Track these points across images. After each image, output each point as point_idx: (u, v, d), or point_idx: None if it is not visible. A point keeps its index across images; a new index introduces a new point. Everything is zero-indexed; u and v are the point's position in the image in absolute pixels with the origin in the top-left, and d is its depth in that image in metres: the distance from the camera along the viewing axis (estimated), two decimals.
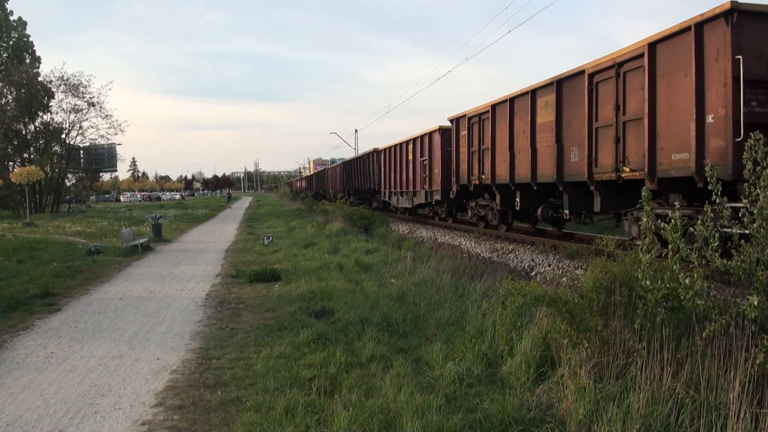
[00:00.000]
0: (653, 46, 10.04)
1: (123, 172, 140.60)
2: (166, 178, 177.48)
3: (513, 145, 15.31)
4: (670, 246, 4.66)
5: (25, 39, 45.64)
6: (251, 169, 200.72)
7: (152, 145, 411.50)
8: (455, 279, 9.98)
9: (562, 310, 4.91)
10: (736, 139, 8.31)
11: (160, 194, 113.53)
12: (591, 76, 11.85)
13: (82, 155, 45.37)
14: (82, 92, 40.68)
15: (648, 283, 4.66)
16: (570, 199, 13.25)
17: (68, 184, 46.03)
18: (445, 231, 20.96)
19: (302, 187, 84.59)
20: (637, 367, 4.50)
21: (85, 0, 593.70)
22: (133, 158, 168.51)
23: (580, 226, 14.91)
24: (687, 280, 4.44)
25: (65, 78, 40.29)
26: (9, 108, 39.55)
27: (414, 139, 24.22)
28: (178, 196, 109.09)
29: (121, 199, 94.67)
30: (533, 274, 12.11)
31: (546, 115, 13.70)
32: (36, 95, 39.54)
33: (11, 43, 44.77)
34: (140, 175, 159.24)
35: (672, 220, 4.66)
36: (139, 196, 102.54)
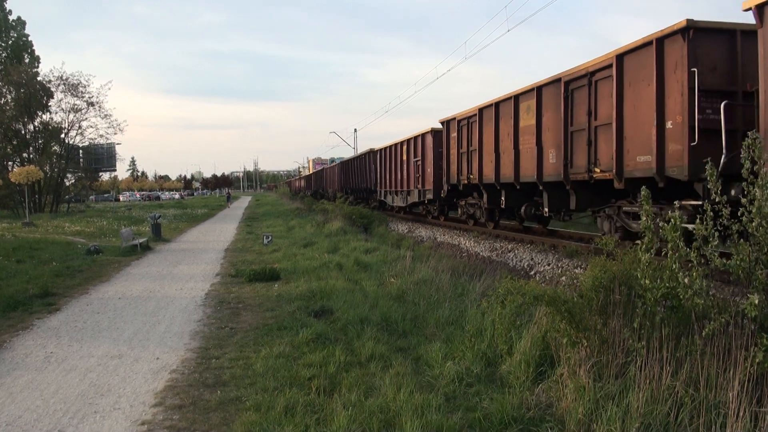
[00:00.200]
0: (621, 57, 10.89)
1: (122, 172, 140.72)
2: (166, 178, 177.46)
3: (498, 147, 16.24)
4: (669, 245, 4.66)
5: (24, 38, 45.57)
6: (250, 168, 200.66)
7: (151, 144, 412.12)
8: (454, 278, 9.98)
9: (562, 309, 4.91)
10: (692, 144, 9.20)
11: (160, 194, 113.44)
12: (567, 83, 12.70)
13: (81, 155, 45.31)
14: (82, 92, 40.67)
15: (647, 282, 4.66)
16: (549, 198, 14.17)
17: (67, 183, 46.00)
18: (444, 230, 20.96)
19: (301, 187, 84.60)
20: (636, 366, 4.50)
21: None
22: (133, 158, 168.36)
23: (563, 223, 16.15)
24: (686, 279, 4.44)
25: (64, 77, 40.28)
26: (8, 108, 39.50)
27: (408, 140, 25.05)
28: (177, 196, 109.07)
29: (121, 198, 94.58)
30: (532, 273, 12.11)
31: (528, 119, 14.57)
32: (35, 95, 39.49)
33: (10, 42, 44.67)
34: (139, 174, 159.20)
35: (671, 220, 4.66)
36: (138, 195, 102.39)
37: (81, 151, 44.98)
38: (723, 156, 8.77)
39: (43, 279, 11.73)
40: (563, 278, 5.71)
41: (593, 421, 4.20)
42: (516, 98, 15.12)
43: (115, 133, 51.98)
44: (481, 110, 17.30)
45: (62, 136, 42.05)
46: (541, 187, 14.29)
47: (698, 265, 4.47)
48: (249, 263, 14.00)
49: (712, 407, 4.00)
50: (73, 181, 47.57)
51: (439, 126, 21.17)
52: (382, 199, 30.58)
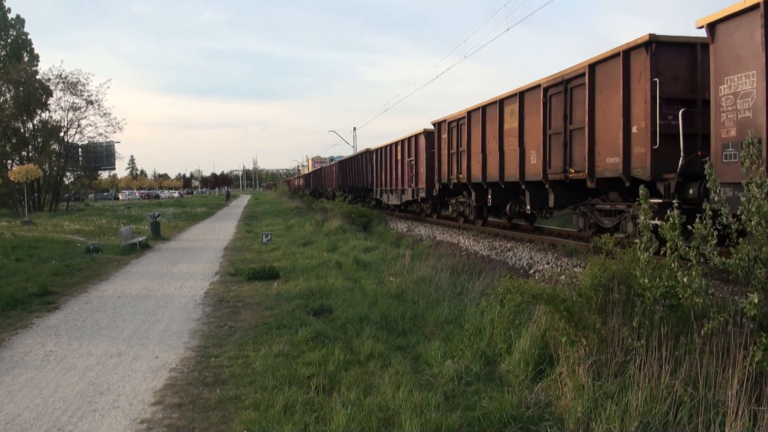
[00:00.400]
0: (593, 66, 11.65)
1: (121, 171, 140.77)
2: (165, 177, 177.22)
3: (485, 148, 17.03)
4: (668, 244, 4.67)
5: (23, 37, 45.55)
6: (250, 167, 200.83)
7: (151, 143, 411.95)
8: (454, 277, 9.98)
9: (561, 308, 4.91)
10: (654, 147, 9.92)
11: (159, 192, 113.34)
12: (546, 89, 13.47)
13: (80, 153, 45.32)
14: (81, 90, 40.66)
15: (646, 281, 4.67)
16: (531, 197, 15.01)
17: (67, 182, 46.03)
18: (443, 229, 20.97)
19: (300, 185, 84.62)
20: (635, 364, 4.50)
21: None
22: (132, 156, 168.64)
23: (548, 220, 17.24)
24: (685, 278, 4.45)
25: (63, 76, 40.26)
26: (7, 106, 39.50)
27: (402, 141, 25.82)
28: (176, 195, 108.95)
29: (120, 197, 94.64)
30: (532, 272, 12.11)
31: (511, 122, 15.39)
32: (34, 93, 39.47)
33: (9, 41, 44.68)
34: (139, 173, 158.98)
35: (670, 219, 4.66)
36: (137, 194, 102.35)
37: (80, 149, 44.99)
38: (681, 158, 9.45)
39: (43, 277, 11.73)
40: (562, 277, 5.71)
41: (592, 419, 4.20)
42: (501, 102, 15.88)
43: (115, 132, 52.10)
44: (469, 113, 18.08)
45: (61, 134, 42.08)
46: (523, 186, 15.04)
47: (697, 264, 4.47)
48: (248, 262, 14.00)
49: (711, 406, 4.01)
50: (72, 179, 47.60)
51: (432, 127, 22.03)
52: (378, 197, 31.29)
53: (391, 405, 4.75)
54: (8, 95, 40.04)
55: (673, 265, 4.55)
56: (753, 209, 4.41)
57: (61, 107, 41.42)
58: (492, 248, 15.44)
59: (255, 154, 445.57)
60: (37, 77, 40.95)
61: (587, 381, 4.53)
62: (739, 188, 7.53)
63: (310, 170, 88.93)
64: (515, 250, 14.52)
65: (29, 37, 46.17)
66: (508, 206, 16.84)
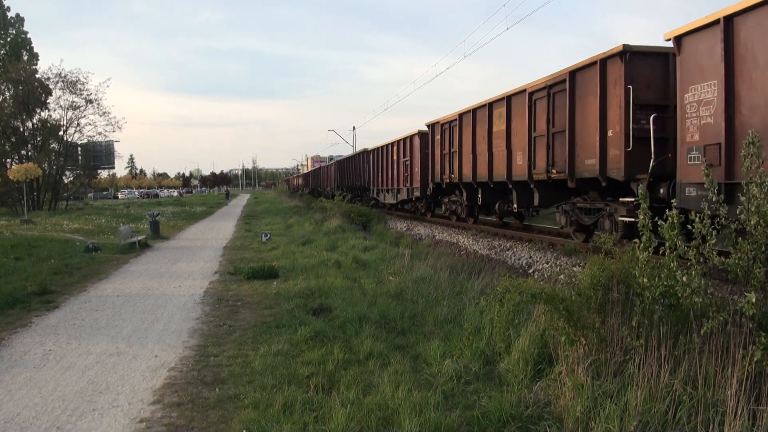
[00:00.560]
0: (573, 73, 12.26)
1: (121, 170, 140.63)
2: (164, 176, 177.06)
3: (475, 149, 17.68)
4: (667, 243, 4.67)
5: (22, 36, 45.48)
6: (249, 166, 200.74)
7: (150, 142, 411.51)
8: (453, 276, 9.98)
9: (560, 307, 4.91)
10: (627, 150, 10.51)
11: (158, 191, 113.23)
12: (530, 94, 14.10)
13: (79, 152, 45.26)
14: (80, 89, 40.60)
15: (645, 280, 4.67)
16: (517, 196, 15.71)
17: (66, 181, 45.97)
18: (442, 228, 20.97)
19: (299, 185, 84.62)
20: (634, 364, 4.51)
21: None
22: (131, 155, 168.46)
23: (540, 219, 18.05)
24: (684, 278, 4.45)
25: (63, 75, 40.19)
26: (7, 105, 39.46)
27: (398, 141, 26.47)
28: (176, 194, 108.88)
29: (119, 196, 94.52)
30: (531, 271, 12.11)
31: (500, 125, 16.03)
32: (34, 92, 39.44)
33: (9, 39, 44.61)
34: (138, 172, 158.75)
35: (669, 218, 4.66)
36: (137, 193, 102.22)
37: (79, 148, 44.94)
38: (652, 160, 10.03)
39: (42, 276, 11.73)
40: (561, 276, 5.71)
41: (591, 419, 4.20)
42: (490, 105, 16.54)
43: (114, 131, 52.32)
44: (460, 115, 18.75)
45: (61, 133, 42.00)
46: (510, 186, 15.76)
47: (696, 264, 4.47)
48: (247, 261, 14.00)
49: (710, 405, 4.01)
50: (71, 178, 47.57)
51: (426, 129, 22.79)
52: (375, 196, 31.90)
53: (390, 404, 4.75)
54: (8, 94, 40.02)
55: (672, 265, 4.55)
56: (753, 209, 4.42)
57: (61, 106, 41.42)
58: (491, 247, 15.44)
59: (254, 153, 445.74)
60: (37, 76, 40.92)
61: (586, 380, 4.53)
62: (702, 188, 8.39)
63: (309, 169, 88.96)
64: (514, 250, 14.52)
65: (29, 35, 46.18)
66: (497, 205, 17.58)
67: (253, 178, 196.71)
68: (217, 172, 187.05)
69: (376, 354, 6.20)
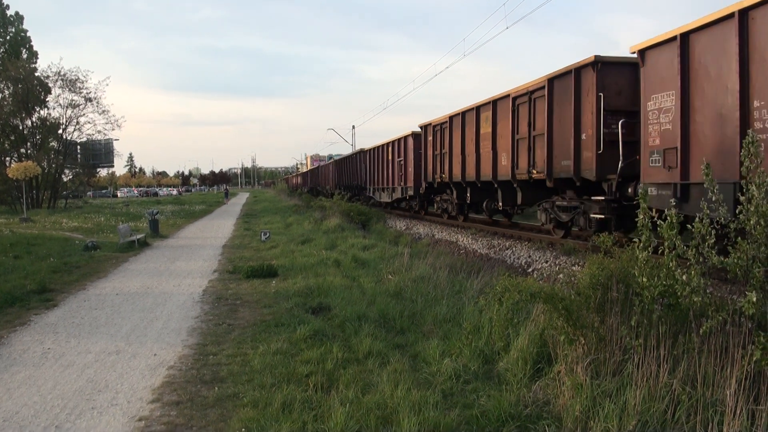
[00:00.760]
0: (552, 80, 13.08)
1: (120, 168, 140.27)
2: (163, 174, 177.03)
3: (464, 150, 18.52)
4: (666, 243, 4.67)
5: (22, 34, 45.43)
6: (248, 165, 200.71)
7: (149, 140, 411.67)
8: (452, 275, 9.98)
9: (559, 306, 4.91)
10: (598, 152, 11.31)
11: (157, 190, 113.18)
12: (514, 99, 14.91)
13: (79, 151, 45.20)
14: (79, 87, 40.66)
15: (645, 279, 4.67)
16: (502, 195, 16.54)
17: (65, 179, 45.93)
18: (441, 227, 20.98)
19: (299, 184, 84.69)
20: (633, 363, 4.51)
21: None
22: (130, 154, 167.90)
23: (525, 216, 19.25)
24: (684, 277, 4.45)
25: (62, 73, 40.24)
26: (6, 103, 39.45)
27: (393, 142, 27.35)
28: (175, 192, 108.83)
29: (118, 194, 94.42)
30: (530, 270, 12.11)
31: (486, 127, 16.90)
32: (33, 90, 39.44)
33: (8, 38, 44.56)
34: (137, 170, 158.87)
35: (668, 218, 4.66)
36: (136, 191, 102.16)
37: (79, 146, 44.87)
38: (620, 162, 10.75)
39: (41, 275, 11.72)
40: (560, 276, 5.71)
41: (590, 418, 4.21)
42: (478, 109, 17.40)
43: (113, 129, 52.31)
44: (451, 118, 19.65)
45: (60, 131, 42.02)
46: (496, 185, 16.62)
47: (696, 263, 4.47)
48: (247, 260, 13.99)
49: (709, 405, 4.01)
50: (70, 176, 47.51)
51: (419, 130, 23.58)
52: (371, 195, 32.62)
53: (389, 403, 4.75)
54: (7, 92, 40.04)
55: (671, 264, 4.55)
56: (752, 209, 4.41)
57: (60, 104, 41.48)
58: (490, 246, 15.45)
59: (254, 152, 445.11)
60: (36, 74, 40.93)
61: (585, 380, 4.53)
62: (663, 187, 9.42)
63: (308, 168, 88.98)
64: (514, 249, 14.53)
65: (28, 34, 46.15)
66: (485, 203, 18.72)
67: (252, 176, 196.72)
68: (217, 170, 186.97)
69: (375, 353, 6.20)
